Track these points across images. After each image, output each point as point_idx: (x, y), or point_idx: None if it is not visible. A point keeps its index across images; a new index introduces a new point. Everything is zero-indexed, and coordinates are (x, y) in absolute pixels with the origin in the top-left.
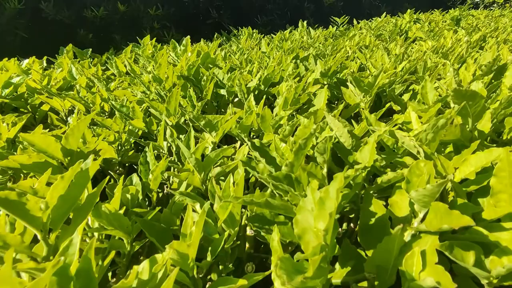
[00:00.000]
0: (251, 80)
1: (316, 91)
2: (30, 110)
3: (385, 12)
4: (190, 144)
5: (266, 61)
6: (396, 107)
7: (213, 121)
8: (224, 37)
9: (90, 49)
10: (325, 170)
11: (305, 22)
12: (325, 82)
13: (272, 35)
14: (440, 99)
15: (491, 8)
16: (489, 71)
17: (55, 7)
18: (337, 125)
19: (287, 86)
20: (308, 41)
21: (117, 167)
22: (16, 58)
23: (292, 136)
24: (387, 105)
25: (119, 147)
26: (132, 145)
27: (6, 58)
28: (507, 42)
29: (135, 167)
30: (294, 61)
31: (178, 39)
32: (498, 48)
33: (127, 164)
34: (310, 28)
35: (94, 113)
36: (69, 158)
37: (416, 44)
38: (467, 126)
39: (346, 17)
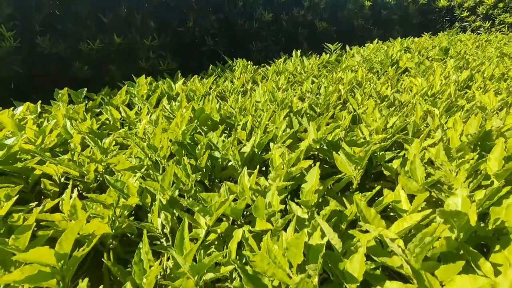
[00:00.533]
0: (245, 144)
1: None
2: (22, 172)
3: (376, 39)
4: (184, 235)
5: (260, 114)
6: (387, 172)
7: (207, 199)
8: (219, 69)
9: (85, 89)
10: (316, 279)
11: (299, 51)
12: (317, 147)
13: (266, 66)
14: (428, 181)
15: (479, 31)
16: (474, 140)
17: (51, 41)
18: (328, 229)
19: (280, 153)
20: (302, 75)
21: (111, 240)
22: (10, 109)
23: (285, 230)
24: (377, 187)
25: (113, 219)
26: (126, 214)
27: (0, 108)
28: (492, 79)
29: (130, 235)
30: (288, 115)
31: (173, 68)
32: (485, 88)
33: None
34: (304, 58)
35: (86, 217)
36: (62, 261)
37: (407, 76)
38: (453, 235)
39: (339, 44)
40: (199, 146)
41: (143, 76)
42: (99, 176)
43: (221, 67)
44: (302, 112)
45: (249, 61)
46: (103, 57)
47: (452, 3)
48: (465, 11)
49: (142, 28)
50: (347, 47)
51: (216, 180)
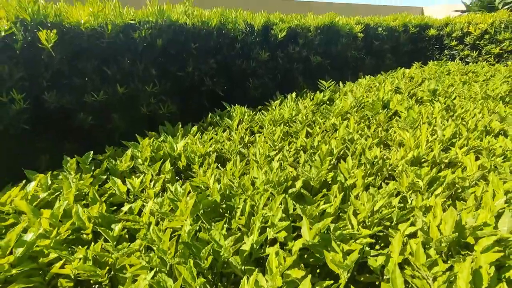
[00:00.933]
0: (245, 242)
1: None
2: (40, 267)
3: (369, 75)
4: None
5: (257, 192)
6: (372, 267)
7: None
8: (218, 115)
9: (91, 153)
10: None
11: (293, 94)
12: (311, 243)
13: (263, 111)
14: None
15: (467, 60)
16: (450, 240)
17: (57, 95)
18: None
19: (276, 251)
20: (297, 125)
21: None
22: (21, 186)
23: None
24: None
25: None
26: None
27: (14, 188)
28: (475, 131)
29: None
30: (284, 196)
31: (173, 111)
32: (468, 146)
33: None
34: (299, 101)
35: None
36: None
37: (397, 122)
38: None
39: (332, 82)
40: (203, 250)
41: (147, 139)
42: (110, 267)
43: (220, 114)
44: (296, 192)
45: (246, 104)
46: (106, 107)
47: (441, 32)
48: (454, 41)
49: (144, 76)
50: (341, 84)
51: (219, 283)
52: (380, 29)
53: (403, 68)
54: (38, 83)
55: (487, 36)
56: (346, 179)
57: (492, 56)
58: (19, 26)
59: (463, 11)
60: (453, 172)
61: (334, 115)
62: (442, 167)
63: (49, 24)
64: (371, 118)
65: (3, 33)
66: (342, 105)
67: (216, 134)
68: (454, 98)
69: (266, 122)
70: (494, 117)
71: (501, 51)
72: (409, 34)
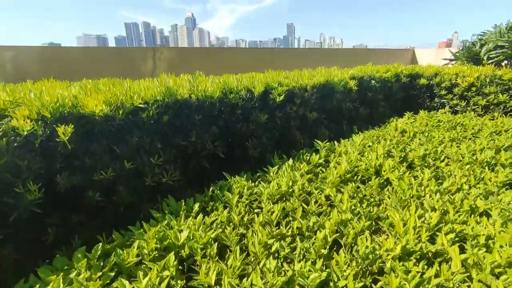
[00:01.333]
0: None
1: None
2: None
3: (363, 126)
4: None
5: None
6: None
7: None
8: (219, 189)
9: (100, 245)
10: None
11: (290, 160)
12: None
13: (261, 182)
14: None
15: (456, 108)
16: None
17: (69, 176)
18: None
19: None
20: (295, 202)
21: None
22: None
23: None
24: None
25: None
26: None
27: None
28: (461, 209)
29: None
30: None
31: (175, 179)
32: (454, 232)
33: None
34: (296, 168)
35: None
36: None
37: (388, 192)
38: None
39: (327, 143)
40: None
41: (153, 229)
42: None
43: (221, 186)
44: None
45: (245, 163)
46: (114, 183)
47: (431, 82)
48: (443, 90)
49: (150, 150)
50: (336, 143)
51: None
52: (373, 81)
53: (395, 118)
54: (52, 169)
55: (474, 89)
56: (339, 279)
57: (480, 107)
58: (40, 123)
59: (451, 59)
60: (439, 263)
61: (329, 186)
62: (430, 255)
63: (66, 114)
64: (363, 190)
65: (25, 132)
66: (337, 171)
67: (217, 209)
68: (443, 160)
69: (264, 197)
70: (480, 188)
71: (487, 103)
72: (401, 83)
